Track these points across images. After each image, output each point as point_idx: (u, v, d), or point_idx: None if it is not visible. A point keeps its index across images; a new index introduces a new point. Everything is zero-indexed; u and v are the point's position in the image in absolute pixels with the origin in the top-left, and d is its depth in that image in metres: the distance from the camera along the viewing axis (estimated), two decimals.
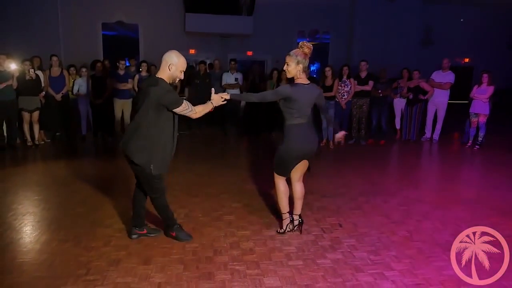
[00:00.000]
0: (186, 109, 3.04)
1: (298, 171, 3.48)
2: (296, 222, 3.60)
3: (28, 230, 3.62)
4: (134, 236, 3.41)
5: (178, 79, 3.12)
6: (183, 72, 3.11)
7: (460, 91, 9.74)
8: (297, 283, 2.78)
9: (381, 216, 4.09)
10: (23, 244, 3.35)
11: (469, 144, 7.88)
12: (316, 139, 3.41)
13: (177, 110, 3.02)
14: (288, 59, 3.27)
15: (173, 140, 3.16)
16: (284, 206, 3.56)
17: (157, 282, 2.76)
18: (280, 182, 3.50)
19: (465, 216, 4.10)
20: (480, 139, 7.73)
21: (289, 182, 3.56)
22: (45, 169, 5.93)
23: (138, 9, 11.23)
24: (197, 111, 3.16)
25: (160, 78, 3.01)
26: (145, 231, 3.45)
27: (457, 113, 9.40)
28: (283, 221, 3.59)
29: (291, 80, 3.40)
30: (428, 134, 8.62)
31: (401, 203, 4.50)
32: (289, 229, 3.58)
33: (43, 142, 7.61)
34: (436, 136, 8.53)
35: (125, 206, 4.23)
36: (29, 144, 7.23)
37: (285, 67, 3.31)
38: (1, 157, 6.49)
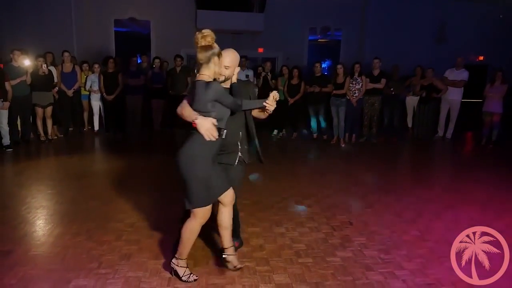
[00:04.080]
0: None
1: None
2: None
3: (42, 224, 3.68)
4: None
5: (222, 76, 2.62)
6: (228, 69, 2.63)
7: (474, 89, 9.57)
8: (307, 280, 2.78)
9: (393, 215, 4.05)
10: (36, 237, 3.40)
11: (483, 143, 7.77)
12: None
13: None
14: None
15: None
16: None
17: (167, 277, 2.78)
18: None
19: (478, 217, 4.04)
20: (494, 138, 7.62)
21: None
22: (58, 164, 6.00)
23: (150, 6, 11.28)
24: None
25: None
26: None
27: (471, 112, 9.26)
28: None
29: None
30: (440, 132, 8.52)
31: (413, 202, 4.45)
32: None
33: (56, 137, 7.71)
34: (449, 134, 8.43)
35: (136, 201, 4.27)
36: (42, 139, 7.34)
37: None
38: (15, 151, 6.59)
